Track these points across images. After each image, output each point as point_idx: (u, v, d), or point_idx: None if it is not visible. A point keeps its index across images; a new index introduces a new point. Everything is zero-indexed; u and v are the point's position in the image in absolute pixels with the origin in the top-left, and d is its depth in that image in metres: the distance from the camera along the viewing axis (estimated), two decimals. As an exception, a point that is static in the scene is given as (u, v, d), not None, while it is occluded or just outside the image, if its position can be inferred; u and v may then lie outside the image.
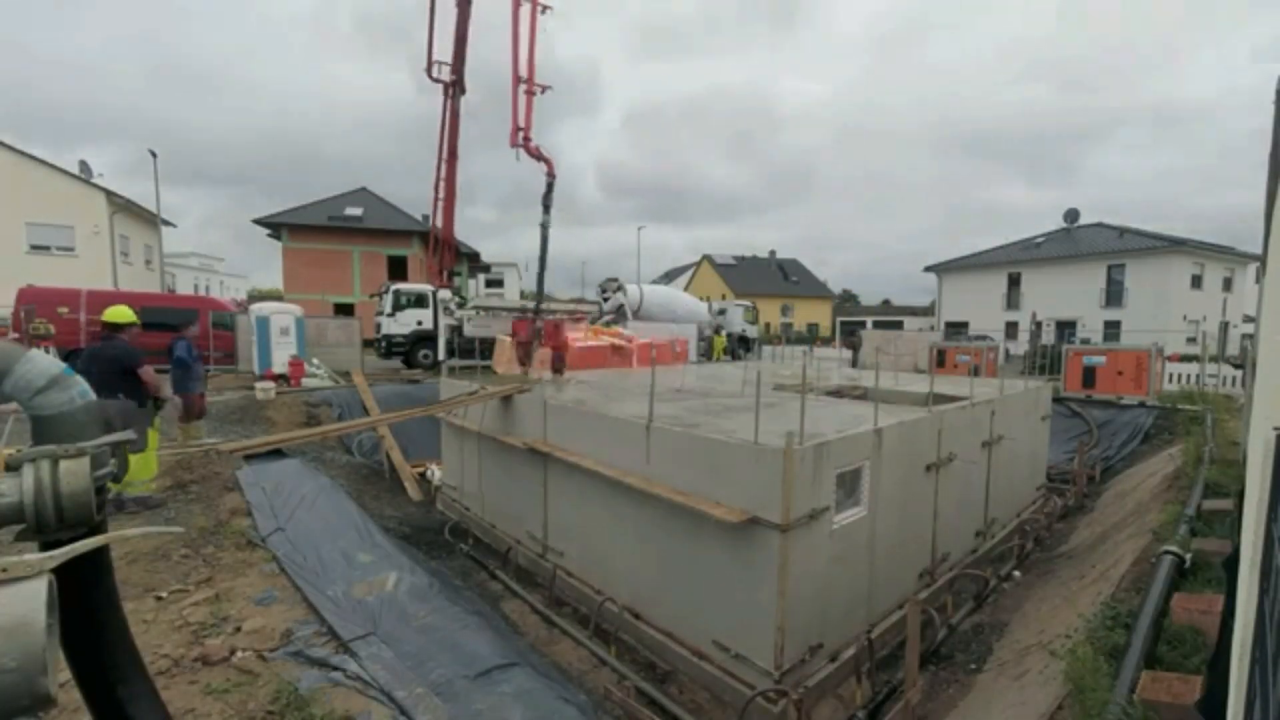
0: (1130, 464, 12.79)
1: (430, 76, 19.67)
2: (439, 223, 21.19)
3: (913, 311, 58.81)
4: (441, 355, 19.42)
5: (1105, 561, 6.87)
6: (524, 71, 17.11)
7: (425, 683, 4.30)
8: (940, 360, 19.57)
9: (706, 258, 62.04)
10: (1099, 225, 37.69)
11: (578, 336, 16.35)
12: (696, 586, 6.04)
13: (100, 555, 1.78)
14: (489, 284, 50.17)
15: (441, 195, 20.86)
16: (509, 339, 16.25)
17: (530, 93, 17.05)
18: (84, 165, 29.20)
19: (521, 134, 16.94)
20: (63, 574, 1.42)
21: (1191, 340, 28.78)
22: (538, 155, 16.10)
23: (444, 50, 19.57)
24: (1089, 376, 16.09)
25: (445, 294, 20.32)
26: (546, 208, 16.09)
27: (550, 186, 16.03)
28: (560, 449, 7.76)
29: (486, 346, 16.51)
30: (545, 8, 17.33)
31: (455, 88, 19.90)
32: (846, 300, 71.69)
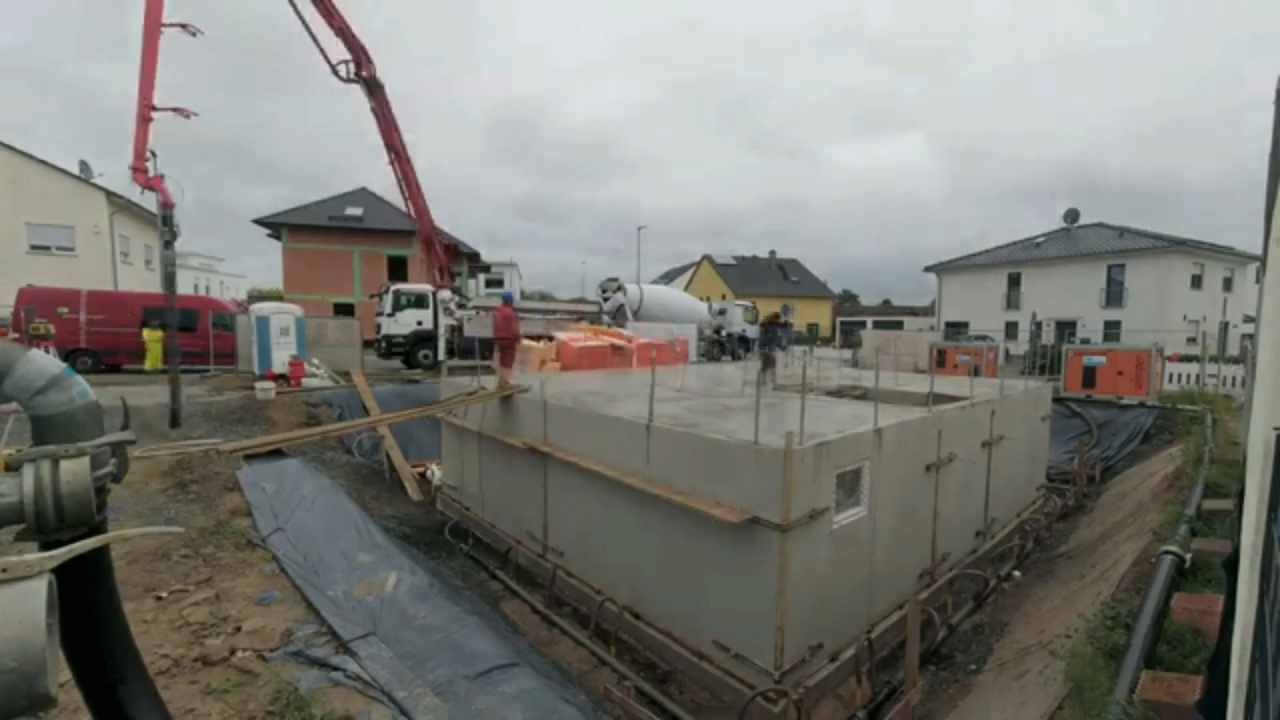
0: (1130, 464, 12.79)
1: (339, 78, 17.63)
2: (414, 224, 21.03)
3: (913, 311, 58.80)
4: (441, 355, 19.41)
5: (1105, 561, 6.87)
6: None
7: (425, 683, 4.30)
8: (940, 360, 19.57)
9: (706, 258, 61.94)
10: (1099, 225, 37.65)
11: (577, 336, 16.36)
12: (696, 586, 6.04)
13: (100, 555, 1.78)
14: (489, 284, 50.17)
15: (406, 195, 20.37)
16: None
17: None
18: (84, 165, 29.17)
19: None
20: (63, 574, 1.42)
21: (1192, 340, 28.75)
22: None
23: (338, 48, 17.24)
24: (1089, 376, 16.09)
25: (445, 294, 20.30)
26: None
27: None
28: (560, 449, 7.76)
29: (486, 346, 16.50)
30: None
31: (371, 83, 18.26)
32: (846, 300, 71.67)
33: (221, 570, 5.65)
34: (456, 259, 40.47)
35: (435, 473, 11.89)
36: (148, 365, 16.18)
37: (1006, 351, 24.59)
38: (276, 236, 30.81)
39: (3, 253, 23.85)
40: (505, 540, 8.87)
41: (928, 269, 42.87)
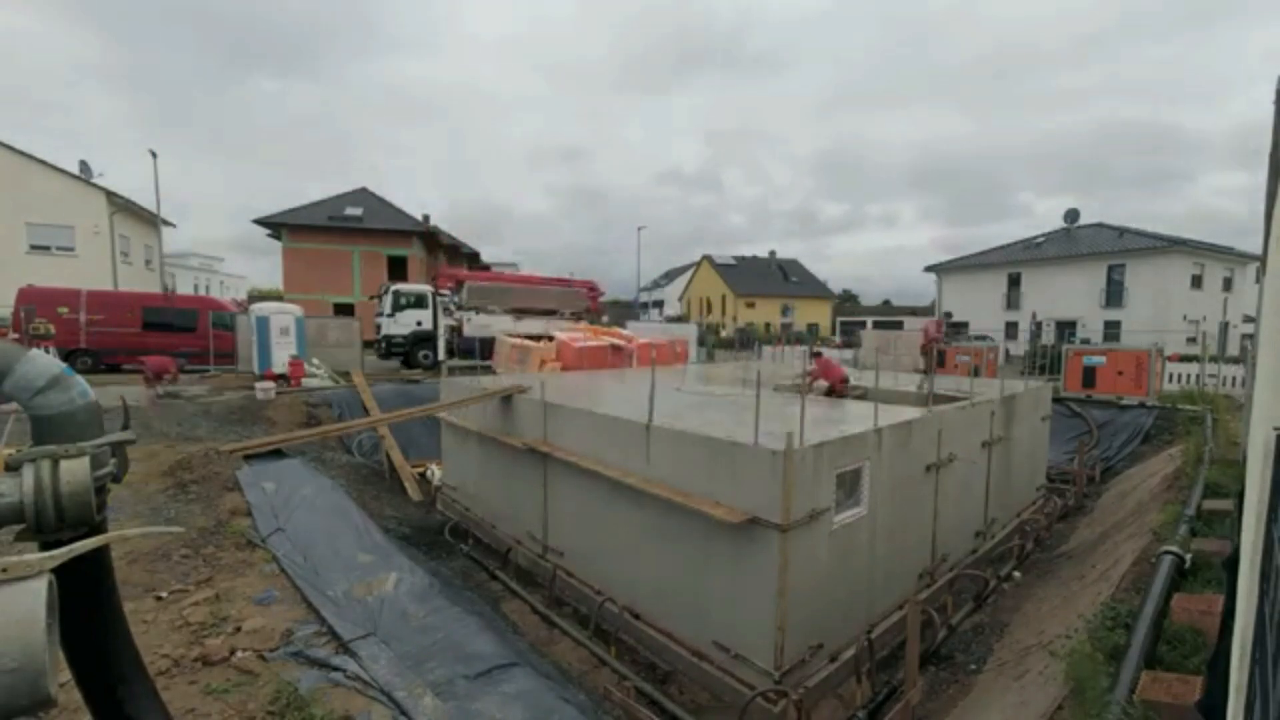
0: (1130, 464, 12.78)
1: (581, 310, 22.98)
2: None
3: (913, 311, 58.79)
4: (441, 356, 19.41)
5: (1105, 562, 6.87)
6: None
7: (425, 683, 4.30)
8: (940, 360, 19.56)
9: (706, 258, 61.89)
10: (1099, 225, 37.66)
11: (577, 336, 16.35)
12: (696, 587, 6.04)
13: (100, 555, 1.78)
14: (489, 284, 50.07)
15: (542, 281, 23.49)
16: (509, 339, 16.29)
17: None
18: (84, 165, 29.17)
19: None
20: (63, 574, 1.41)
21: (1191, 340, 28.74)
22: None
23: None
24: (1089, 376, 16.09)
25: (444, 294, 20.33)
26: None
27: None
28: (560, 449, 7.76)
29: (486, 347, 16.51)
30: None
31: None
32: (846, 300, 71.63)
33: (221, 570, 5.65)
34: (457, 259, 40.54)
35: (435, 473, 11.89)
36: None
37: (1006, 351, 24.59)
38: (276, 236, 30.82)
39: (3, 253, 23.86)
40: (505, 540, 8.87)
41: (928, 269, 42.88)
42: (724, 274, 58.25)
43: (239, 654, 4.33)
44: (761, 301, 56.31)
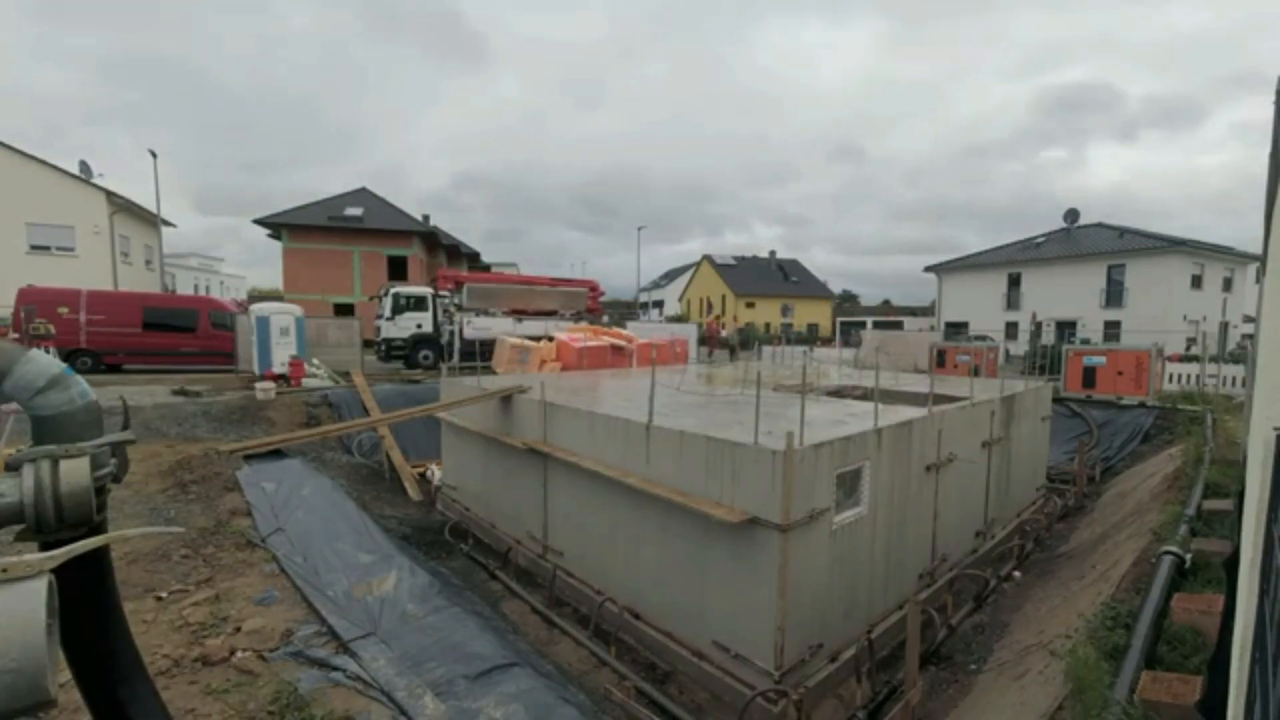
0: (1130, 464, 12.78)
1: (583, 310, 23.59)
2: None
3: (913, 312, 58.74)
4: (445, 360, 19.39)
5: (1105, 562, 6.87)
6: None
7: (425, 683, 4.30)
8: (940, 360, 19.56)
9: (706, 258, 61.86)
10: (1099, 225, 37.64)
11: (577, 336, 16.35)
12: (696, 587, 6.04)
13: (100, 555, 1.78)
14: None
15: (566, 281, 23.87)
16: (509, 340, 16.30)
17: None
18: (84, 165, 29.17)
19: None
20: (63, 574, 1.41)
21: (1192, 340, 28.73)
22: None
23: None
24: (1089, 376, 16.09)
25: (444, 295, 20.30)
26: None
27: None
28: (560, 449, 7.76)
29: (487, 349, 16.50)
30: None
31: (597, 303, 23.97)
32: (846, 300, 71.64)
33: (221, 570, 5.65)
34: (457, 259, 40.56)
35: (435, 473, 11.89)
36: None
37: (1006, 352, 24.57)
38: (277, 237, 30.81)
39: (3, 253, 23.85)
40: (505, 540, 8.87)
41: (928, 269, 42.85)
42: (724, 274, 58.22)
43: (239, 654, 4.34)
44: (761, 301, 56.29)
